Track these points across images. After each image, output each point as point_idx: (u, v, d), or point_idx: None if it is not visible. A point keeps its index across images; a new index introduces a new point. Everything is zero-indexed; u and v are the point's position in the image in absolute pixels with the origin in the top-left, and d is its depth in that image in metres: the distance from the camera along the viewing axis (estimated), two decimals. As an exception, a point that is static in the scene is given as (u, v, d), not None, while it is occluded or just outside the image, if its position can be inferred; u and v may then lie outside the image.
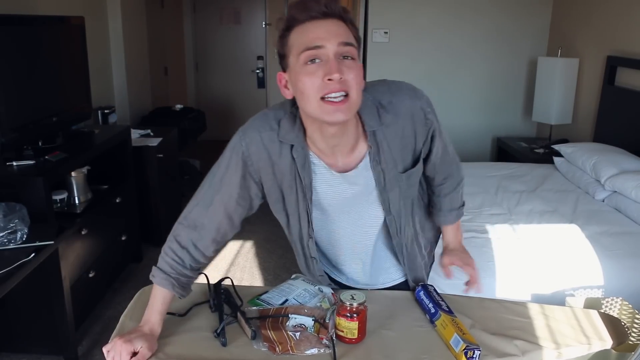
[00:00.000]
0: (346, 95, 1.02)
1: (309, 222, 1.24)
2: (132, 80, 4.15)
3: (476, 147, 4.61)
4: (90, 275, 2.60)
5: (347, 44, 1.02)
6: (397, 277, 1.43)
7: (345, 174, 1.18)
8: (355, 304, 1.12)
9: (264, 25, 6.25)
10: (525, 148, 3.99)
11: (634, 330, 1.34)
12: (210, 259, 1.26)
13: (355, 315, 1.12)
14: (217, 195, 1.20)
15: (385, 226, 1.29)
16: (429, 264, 1.51)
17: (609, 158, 2.93)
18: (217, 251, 1.27)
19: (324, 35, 1.01)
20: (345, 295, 1.14)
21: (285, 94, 1.11)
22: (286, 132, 1.15)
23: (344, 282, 1.43)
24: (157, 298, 1.18)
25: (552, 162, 3.46)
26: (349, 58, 1.03)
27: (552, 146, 3.63)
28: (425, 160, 1.26)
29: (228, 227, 1.23)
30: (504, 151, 4.26)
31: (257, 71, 6.39)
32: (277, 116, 1.17)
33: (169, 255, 1.21)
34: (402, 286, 1.43)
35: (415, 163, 1.22)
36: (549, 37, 4.38)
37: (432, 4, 4.33)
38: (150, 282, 1.22)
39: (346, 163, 1.18)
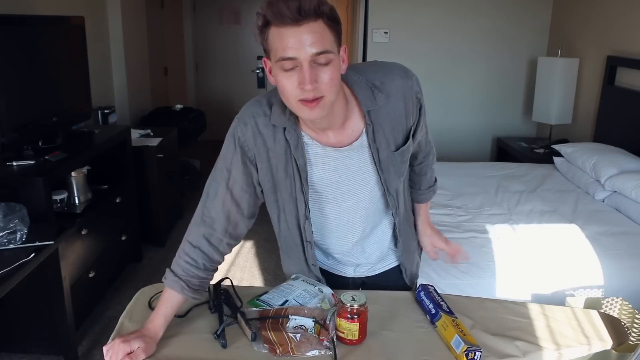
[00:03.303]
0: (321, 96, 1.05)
1: (306, 202, 1.25)
2: (132, 80, 4.14)
3: (476, 147, 4.61)
4: (90, 275, 2.60)
5: (320, 52, 1.01)
6: (392, 261, 1.45)
7: (340, 148, 1.20)
8: (356, 306, 1.12)
9: (263, 25, 6.24)
10: (525, 148, 3.98)
11: (634, 330, 1.33)
12: (224, 256, 1.26)
13: (356, 316, 1.12)
14: (222, 183, 1.22)
15: (383, 208, 1.32)
16: (420, 251, 1.54)
17: (609, 158, 2.93)
18: (231, 246, 1.27)
19: (297, 46, 1.00)
20: (346, 297, 1.14)
21: (270, 79, 1.12)
22: (278, 115, 1.18)
23: (342, 273, 1.42)
24: (164, 300, 1.18)
25: (552, 162, 3.46)
26: (324, 63, 1.03)
27: (552, 146, 3.62)
28: (413, 138, 1.28)
29: (238, 215, 1.24)
30: (504, 151, 4.26)
31: (257, 71, 6.38)
32: (269, 101, 1.19)
33: (181, 257, 1.21)
34: (395, 271, 1.44)
35: (406, 140, 1.25)
36: (549, 37, 4.38)
37: (432, 4, 4.32)
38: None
39: (339, 140, 1.20)
